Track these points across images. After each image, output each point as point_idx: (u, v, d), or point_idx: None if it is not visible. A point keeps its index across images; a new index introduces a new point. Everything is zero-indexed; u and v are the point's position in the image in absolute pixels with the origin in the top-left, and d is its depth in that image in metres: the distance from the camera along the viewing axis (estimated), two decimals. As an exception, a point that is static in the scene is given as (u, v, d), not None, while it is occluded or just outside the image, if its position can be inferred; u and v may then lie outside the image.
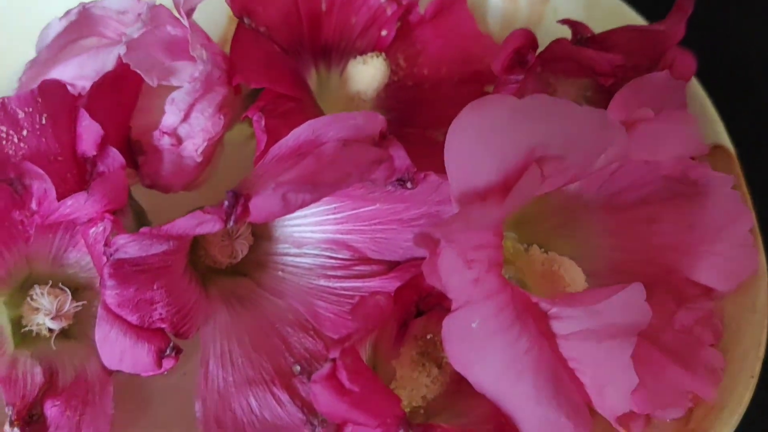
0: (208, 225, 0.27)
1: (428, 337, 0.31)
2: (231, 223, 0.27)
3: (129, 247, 0.28)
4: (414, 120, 0.40)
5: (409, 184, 0.31)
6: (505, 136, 0.28)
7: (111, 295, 0.29)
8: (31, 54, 0.38)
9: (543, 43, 0.37)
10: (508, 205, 0.27)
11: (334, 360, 0.26)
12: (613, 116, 0.29)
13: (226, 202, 0.27)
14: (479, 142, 0.28)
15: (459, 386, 0.31)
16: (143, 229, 0.28)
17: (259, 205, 0.27)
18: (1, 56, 0.42)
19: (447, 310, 0.30)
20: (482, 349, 0.29)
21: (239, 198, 0.27)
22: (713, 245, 0.33)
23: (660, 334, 0.33)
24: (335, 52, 0.40)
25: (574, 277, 0.32)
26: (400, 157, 0.30)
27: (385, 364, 0.31)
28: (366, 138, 0.30)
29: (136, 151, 0.34)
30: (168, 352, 0.30)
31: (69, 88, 0.35)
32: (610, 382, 0.29)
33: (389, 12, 0.40)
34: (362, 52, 0.40)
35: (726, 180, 0.34)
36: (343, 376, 0.26)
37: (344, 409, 0.26)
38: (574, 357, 0.29)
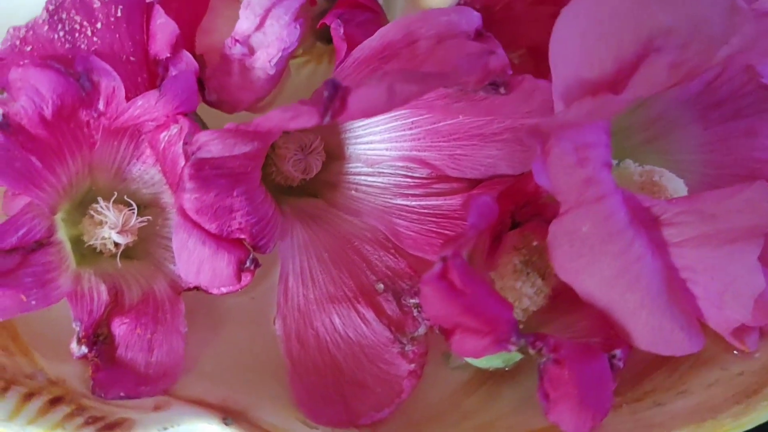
0: (304, 118, 0.25)
1: (534, 244, 0.29)
2: (328, 118, 0.25)
3: (212, 144, 0.26)
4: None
5: (502, 89, 0.29)
6: (622, 21, 0.26)
7: (190, 199, 0.27)
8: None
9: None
10: (630, 93, 0.25)
11: (445, 259, 0.24)
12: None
13: (325, 92, 0.24)
14: (593, 29, 0.26)
15: (558, 300, 0.29)
16: (229, 124, 0.26)
17: (362, 97, 0.24)
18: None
19: (546, 222, 0.28)
20: (592, 255, 0.26)
21: (338, 89, 0.24)
22: (819, 156, 0.32)
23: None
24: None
25: (677, 187, 0.30)
26: (499, 56, 0.28)
27: (483, 275, 0.29)
28: (461, 35, 0.28)
29: (202, 69, 0.32)
30: (248, 264, 0.28)
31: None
32: (730, 289, 0.27)
33: None
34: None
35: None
36: (455, 276, 0.24)
37: (456, 312, 0.24)
38: (688, 265, 0.27)
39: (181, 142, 0.27)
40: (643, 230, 0.27)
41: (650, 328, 0.27)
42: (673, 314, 0.27)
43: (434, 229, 0.32)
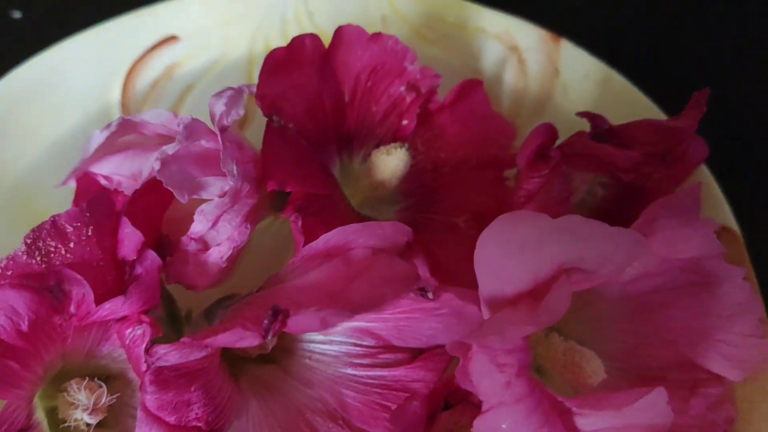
0: (248, 340, 0.28)
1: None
2: (269, 338, 0.28)
3: (170, 356, 0.29)
4: (434, 205, 0.41)
5: (430, 295, 0.32)
6: (536, 252, 0.29)
7: (151, 399, 0.30)
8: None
9: (552, 119, 0.38)
10: (543, 320, 0.28)
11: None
12: (639, 226, 0.30)
13: (266, 321, 0.28)
14: (510, 255, 0.29)
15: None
16: (184, 339, 0.29)
17: (298, 323, 0.28)
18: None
19: (474, 405, 0.31)
20: (512, 449, 0.30)
21: (278, 315, 0.28)
22: (723, 334, 0.35)
23: (676, 419, 0.34)
24: (357, 141, 0.41)
25: (595, 369, 0.34)
26: (423, 269, 0.32)
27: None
28: (391, 248, 0.32)
29: (165, 247, 0.35)
30: (204, 448, 0.31)
31: (104, 182, 0.36)
32: (634, 479, 0.30)
33: (408, 100, 0.41)
34: (382, 139, 0.41)
35: (738, 272, 0.35)
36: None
37: None
38: (599, 454, 0.31)
39: (144, 346, 0.31)
40: (559, 420, 0.31)
41: None
42: (586, 501, 0.30)
43: (378, 401, 0.35)
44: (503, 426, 0.30)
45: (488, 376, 0.29)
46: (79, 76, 0.45)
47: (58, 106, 0.45)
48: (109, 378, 0.35)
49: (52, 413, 0.34)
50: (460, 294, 0.32)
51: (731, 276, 0.35)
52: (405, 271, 0.30)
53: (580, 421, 0.31)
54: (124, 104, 0.46)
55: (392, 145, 0.40)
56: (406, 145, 0.40)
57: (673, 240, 0.31)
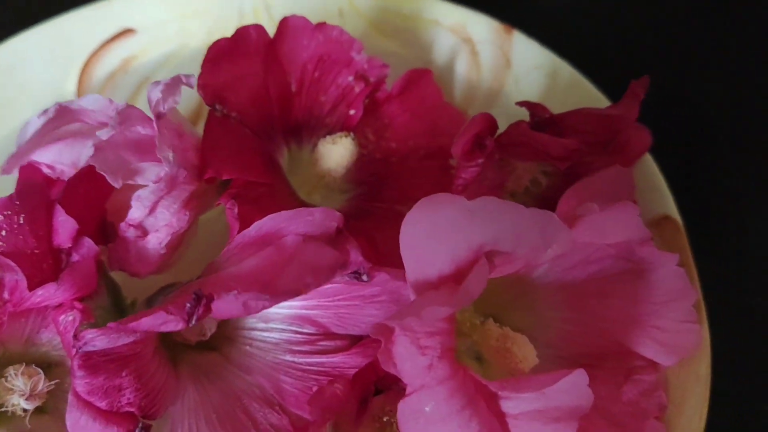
0: (171, 324, 0.29)
1: (385, 419, 0.32)
2: (193, 322, 0.29)
3: (97, 340, 0.30)
4: (382, 194, 0.41)
5: (365, 277, 0.33)
6: (456, 234, 0.30)
7: (80, 384, 0.31)
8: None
9: (504, 110, 0.39)
10: (459, 301, 0.29)
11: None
12: (562, 210, 0.30)
13: (188, 305, 0.28)
14: (431, 238, 0.30)
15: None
16: (110, 324, 0.30)
17: (221, 308, 0.28)
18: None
19: (404, 390, 0.32)
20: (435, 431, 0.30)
21: (201, 299, 0.28)
22: (657, 320, 0.35)
23: (608, 405, 0.35)
24: (305, 130, 0.41)
25: (526, 354, 0.34)
26: (355, 254, 0.32)
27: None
28: (323, 234, 0.32)
29: (109, 233, 0.36)
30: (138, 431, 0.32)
31: (48, 170, 0.37)
32: (556, 462, 0.30)
33: (357, 90, 0.41)
34: (332, 129, 0.41)
35: (671, 258, 0.35)
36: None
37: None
38: (523, 436, 0.31)
39: (73, 331, 0.31)
40: (484, 404, 0.31)
41: (488, 496, 0.31)
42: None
43: (315, 387, 0.35)
44: (426, 409, 0.30)
45: (410, 359, 0.30)
46: (33, 69, 0.46)
47: (12, 101, 0.45)
48: (50, 366, 0.36)
49: (-8, 400, 0.35)
50: (393, 274, 0.33)
51: (664, 262, 0.35)
52: (331, 258, 0.30)
53: (505, 405, 0.31)
54: (80, 97, 0.46)
55: (338, 134, 0.40)
56: (352, 134, 0.40)
57: (596, 225, 0.32)
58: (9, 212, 0.31)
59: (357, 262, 0.32)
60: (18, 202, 0.31)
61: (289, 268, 0.30)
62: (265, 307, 0.29)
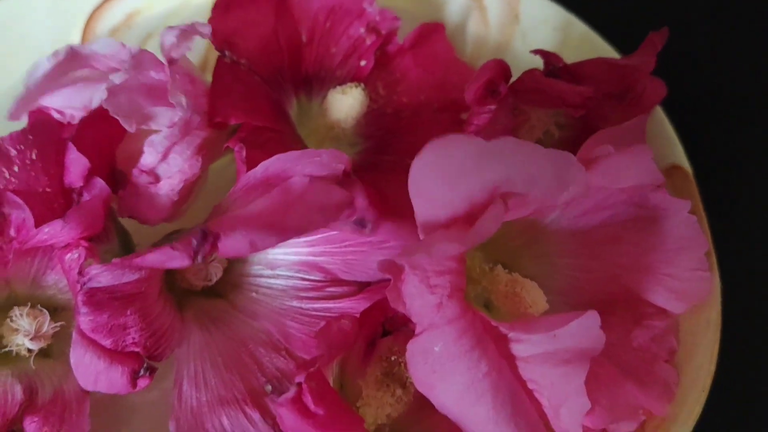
0: (177, 261, 0.28)
1: (393, 358, 0.32)
2: (199, 259, 0.28)
3: (102, 276, 0.30)
4: (392, 148, 0.41)
5: (368, 227, 0.32)
6: (469, 175, 0.29)
7: (85, 321, 0.30)
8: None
9: (511, 64, 0.38)
10: (470, 241, 0.28)
11: (299, 384, 0.27)
12: (581, 156, 0.30)
13: (194, 240, 0.28)
14: (443, 180, 0.29)
15: (423, 405, 0.32)
16: (115, 260, 0.29)
17: (227, 245, 0.28)
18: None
19: (412, 331, 0.31)
20: (444, 371, 0.30)
21: (208, 237, 0.28)
22: (669, 268, 0.35)
23: (618, 351, 0.34)
24: (315, 82, 0.41)
25: (536, 299, 0.34)
26: (361, 199, 0.32)
27: (353, 382, 0.32)
28: (330, 175, 0.32)
29: (120, 180, 0.36)
30: (142, 372, 0.32)
31: (57, 116, 0.36)
32: (565, 404, 0.30)
33: (368, 42, 0.41)
34: (342, 82, 0.41)
35: (683, 205, 0.35)
36: (308, 399, 0.27)
37: (309, 431, 0.27)
38: (532, 379, 0.31)
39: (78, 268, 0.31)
40: (493, 346, 0.31)
41: (496, 438, 0.30)
42: (517, 424, 0.30)
43: (322, 332, 0.35)
44: (436, 348, 0.30)
45: (420, 298, 0.29)
46: (37, 22, 0.45)
47: (15, 53, 0.44)
48: (57, 309, 0.35)
49: (-2, 341, 0.35)
50: (399, 226, 0.32)
51: (677, 209, 0.35)
52: (339, 197, 0.30)
53: (514, 347, 0.31)
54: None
55: (348, 84, 0.40)
56: (362, 85, 0.40)
57: (611, 168, 0.31)
58: (22, 146, 0.30)
59: (362, 207, 0.31)
60: (31, 137, 0.30)
61: (295, 207, 0.29)
62: (271, 245, 0.28)
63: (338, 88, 0.40)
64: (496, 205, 0.29)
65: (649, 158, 0.32)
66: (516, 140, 0.30)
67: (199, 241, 0.28)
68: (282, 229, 0.29)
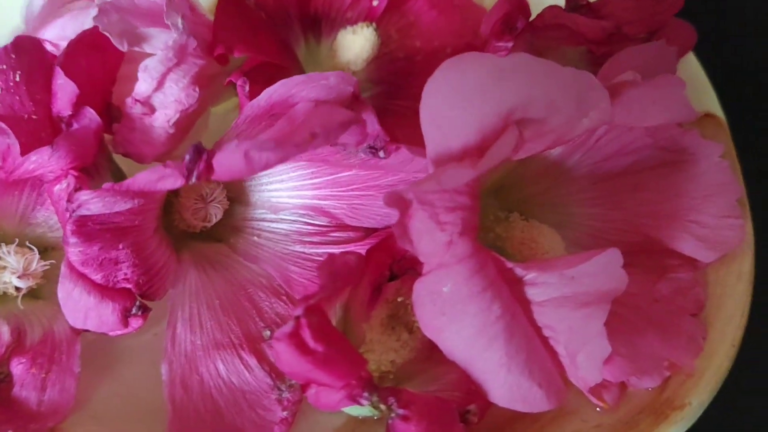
0: (169, 180, 0.26)
1: (399, 300, 0.30)
2: (193, 179, 0.26)
3: (92, 203, 0.28)
4: (404, 93, 0.39)
5: (381, 153, 0.30)
6: (483, 96, 0.27)
7: (74, 252, 0.28)
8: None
9: (533, 7, 0.36)
10: (482, 166, 0.26)
11: (297, 318, 0.25)
12: (603, 75, 0.27)
13: (187, 157, 0.26)
14: (456, 103, 0.27)
15: (429, 352, 0.30)
16: (106, 185, 0.27)
17: (222, 162, 0.26)
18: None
19: (420, 275, 0.29)
20: (453, 314, 0.28)
21: (202, 153, 0.26)
22: (697, 215, 0.32)
23: (640, 303, 0.32)
24: (325, 23, 0.39)
25: (553, 245, 0.32)
26: (372, 123, 0.30)
27: (356, 327, 0.30)
28: (338, 99, 0.30)
29: (115, 118, 0.34)
30: (134, 311, 0.30)
31: (52, 48, 0.34)
32: (583, 350, 0.28)
33: (381, -18, 0.39)
34: (353, 23, 0.39)
35: (716, 148, 0.33)
36: (306, 334, 0.25)
37: (306, 368, 0.25)
38: (548, 324, 0.29)
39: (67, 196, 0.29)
40: (507, 290, 0.29)
41: (508, 386, 0.28)
42: (531, 372, 0.28)
43: (325, 278, 0.33)
44: (444, 289, 0.27)
45: (428, 235, 0.27)
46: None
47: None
48: (47, 249, 0.34)
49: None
50: (413, 150, 0.30)
51: (708, 154, 0.33)
52: (344, 116, 0.28)
53: (530, 291, 0.29)
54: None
55: (359, 24, 0.38)
56: (374, 25, 0.38)
57: (639, 100, 0.29)
58: (4, 66, 0.29)
59: (374, 132, 0.29)
60: (14, 56, 0.29)
61: (299, 130, 0.27)
62: (269, 161, 0.26)
63: (348, 27, 0.38)
64: (510, 130, 0.27)
65: (681, 91, 0.30)
66: (532, 57, 0.27)
67: (192, 156, 0.26)
68: (280, 144, 0.27)
